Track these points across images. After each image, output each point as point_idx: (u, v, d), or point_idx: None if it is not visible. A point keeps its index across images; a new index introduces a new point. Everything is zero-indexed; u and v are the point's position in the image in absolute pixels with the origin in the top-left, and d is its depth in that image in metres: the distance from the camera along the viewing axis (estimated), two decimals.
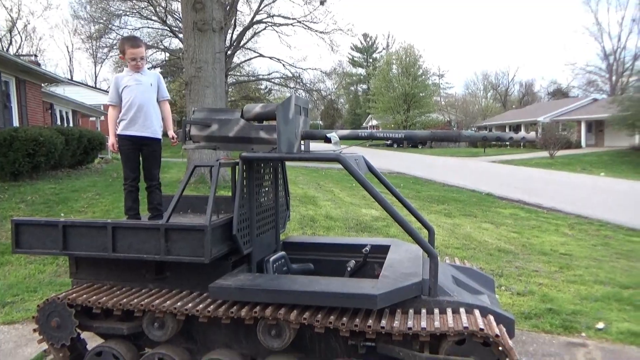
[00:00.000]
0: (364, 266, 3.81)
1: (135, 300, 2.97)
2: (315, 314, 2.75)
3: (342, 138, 3.19)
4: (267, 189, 3.62)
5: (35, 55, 25.63)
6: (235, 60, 41.46)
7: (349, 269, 3.42)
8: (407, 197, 14.52)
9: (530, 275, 6.38)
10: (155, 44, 37.27)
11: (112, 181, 12.95)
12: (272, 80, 42.11)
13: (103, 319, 3.18)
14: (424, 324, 2.60)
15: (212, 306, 2.87)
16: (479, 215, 11.35)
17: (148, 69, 3.74)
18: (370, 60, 71.71)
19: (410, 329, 2.56)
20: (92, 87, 36.54)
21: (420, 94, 48.13)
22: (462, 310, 2.75)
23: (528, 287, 5.78)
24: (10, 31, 35.66)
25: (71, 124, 22.96)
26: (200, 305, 2.88)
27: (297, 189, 13.72)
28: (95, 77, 53.17)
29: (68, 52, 70.78)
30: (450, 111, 60.91)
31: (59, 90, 21.61)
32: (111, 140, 3.57)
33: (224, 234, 3.03)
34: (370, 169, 3.80)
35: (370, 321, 2.67)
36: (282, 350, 2.88)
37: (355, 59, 72.84)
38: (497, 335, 2.47)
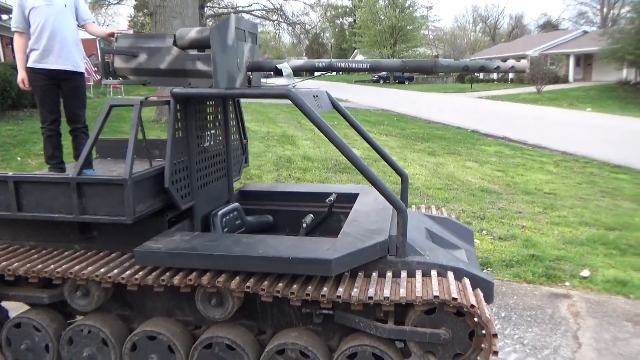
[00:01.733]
0: (329, 218, 3.38)
1: (52, 266, 2.51)
2: (261, 280, 2.33)
3: (296, 69, 2.64)
4: (213, 131, 3.09)
5: None
6: None
7: (304, 225, 2.98)
8: (391, 134, 14.06)
9: (513, 217, 6.07)
10: None
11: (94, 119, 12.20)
12: (253, 12, 40.05)
13: (21, 286, 2.74)
14: (387, 291, 2.19)
15: (141, 272, 2.42)
16: (463, 154, 10.97)
17: None
18: None
19: (371, 298, 2.16)
20: None
21: (408, 27, 46.37)
22: (433, 273, 2.35)
23: (510, 231, 5.47)
24: None
25: None
26: (128, 272, 2.43)
27: (275, 128, 13.13)
28: None
29: None
30: (438, 45, 59.18)
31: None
32: (20, 76, 2.94)
33: (154, 187, 2.54)
34: (336, 106, 3.28)
35: (325, 289, 2.25)
36: (226, 319, 2.48)
37: None
38: (472, 306, 2.08)
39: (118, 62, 2.75)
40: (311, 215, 3.08)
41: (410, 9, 46.96)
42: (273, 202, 3.60)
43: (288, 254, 2.23)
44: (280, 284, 2.29)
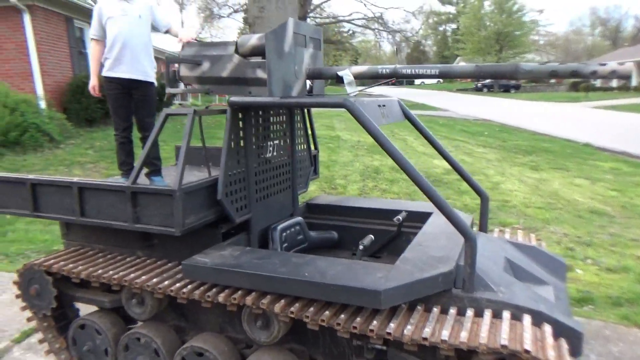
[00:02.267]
0: (398, 238, 3.10)
1: (111, 272, 2.54)
2: (307, 306, 2.14)
3: (359, 76, 2.43)
4: (276, 141, 2.97)
5: None
6: (315, 1, 40.20)
7: (361, 247, 2.73)
8: (490, 146, 13.19)
9: (627, 245, 5.26)
10: None
11: (181, 127, 12.98)
12: (353, 22, 40.41)
13: (88, 289, 2.82)
14: (445, 333, 1.88)
15: (190, 286, 2.36)
16: (572, 169, 9.91)
17: None
18: None
19: (425, 339, 1.87)
20: None
21: (515, 33, 43.69)
22: (505, 314, 1.99)
23: (622, 262, 4.73)
24: None
25: None
26: (177, 284, 2.38)
27: (367, 137, 12.91)
28: (182, 24, 54.37)
29: None
30: (549, 51, 55.09)
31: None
32: (92, 83, 3.07)
33: (207, 198, 2.47)
34: (408, 116, 3.01)
35: (375, 322, 2.01)
36: (273, 343, 2.33)
37: None
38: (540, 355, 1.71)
39: (183, 71, 2.74)
40: (371, 236, 2.83)
41: (519, 13, 44.22)
42: (340, 217, 3.40)
43: (334, 280, 2.02)
44: (327, 313, 2.08)
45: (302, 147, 3.36)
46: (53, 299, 2.76)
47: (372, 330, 1.95)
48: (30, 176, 2.67)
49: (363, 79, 2.46)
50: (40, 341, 2.93)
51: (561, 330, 1.97)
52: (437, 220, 2.89)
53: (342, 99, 2.20)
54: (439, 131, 15.24)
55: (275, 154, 2.97)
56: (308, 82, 2.69)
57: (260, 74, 2.54)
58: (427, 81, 64.43)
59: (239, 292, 2.24)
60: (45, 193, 2.63)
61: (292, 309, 2.11)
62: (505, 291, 2.14)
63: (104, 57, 2.96)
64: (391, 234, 3.12)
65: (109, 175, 7.58)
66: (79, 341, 2.82)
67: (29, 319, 2.92)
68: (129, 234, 2.75)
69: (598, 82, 36.15)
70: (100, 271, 2.58)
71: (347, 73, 2.41)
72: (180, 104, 18.95)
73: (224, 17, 37.27)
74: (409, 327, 1.95)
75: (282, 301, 2.16)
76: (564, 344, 1.90)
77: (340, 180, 8.31)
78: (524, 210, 6.77)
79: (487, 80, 43.95)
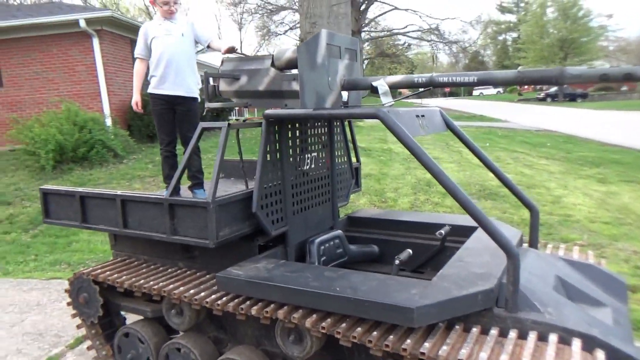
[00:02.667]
0: (441, 253, 2.97)
1: (152, 283, 2.61)
2: (339, 322, 2.08)
3: (394, 86, 2.36)
4: (315, 154, 2.95)
5: None
6: (370, 15, 40.35)
7: (397, 262, 2.63)
8: (553, 158, 12.54)
9: None
10: (290, 4, 37.88)
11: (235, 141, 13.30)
12: (408, 34, 40.13)
13: (131, 298, 2.90)
14: (484, 355, 1.76)
15: (225, 298, 2.36)
16: None
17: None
18: (522, 4, 64.12)
19: None
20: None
21: (582, 39, 41.61)
22: (552, 337, 1.84)
23: None
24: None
25: None
26: (213, 296, 2.39)
27: (400, 148, 12.68)
28: (241, 43, 56.16)
29: (216, 20, 75.55)
30: (620, 57, 51.96)
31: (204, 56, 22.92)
32: (135, 99, 3.20)
33: (242, 211, 2.48)
34: (451, 127, 2.89)
35: (409, 341, 1.91)
36: (306, 358, 2.28)
37: (504, 4, 65.87)
38: None
39: (223, 85, 2.79)
40: (409, 251, 2.72)
41: (585, 18, 42.13)
42: (382, 231, 3.31)
43: (366, 295, 1.95)
44: (360, 329, 2.01)
45: (342, 160, 3.32)
46: (100, 307, 2.86)
47: (405, 350, 1.86)
48: (79, 189, 2.80)
49: (398, 89, 2.39)
50: (89, 348, 3.05)
51: (617, 358, 1.79)
52: (482, 235, 2.74)
53: (375, 110, 2.15)
54: (498, 143, 14.71)
55: (313, 166, 2.95)
56: (345, 93, 2.66)
57: (295, 86, 2.54)
58: (487, 92, 62.56)
59: (272, 305, 2.22)
60: (92, 205, 2.75)
61: (323, 324, 2.05)
62: (554, 312, 1.98)
63: (149, 75, 3.09)
64: (434, 249, 2.99)
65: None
66: (124, 349, 2.90)
67: (78, 326, 3.04)
68: (170, 245, 2.82)
69: None
70: (142, 281, 2.65)
71: (381, 83, 2.36)
72: (236, 119, 19.50)
73: (280, 34, 38.17)
74: (444, 347, 1.84)
75: (314, 316, 2.11)
76: None
77: (391, 194, 8.17)
78: (589, 225, 6.34)
79: (552, 90, 42.06)
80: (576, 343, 1.80)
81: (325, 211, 3.10)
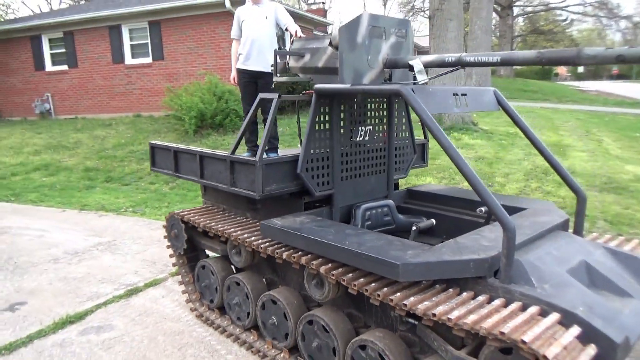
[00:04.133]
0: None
1: (219, 226, 3.16)
2: (349, 272, 2.38)
3: (427, 65, 2.51)
4: (371, 127, 3.20)
5: (323, 3, 28.49)
6: None
7: (414, 228, 2.78)
8: None
9: None
10: None
11: None
12: (567, 9, 36.31)
13: (208, 238, 3.50)
14: (456, 313, 1.93)
15: (267, 243, 2.81)
16: None
17: None
18: None
19: (434, 315, 1.95)
20: None
21: None
22: (532, 309, 1.93)
23: None
24: None
25: None
26: (259, 241, 2.85)
27: (552, 136, 11.77)
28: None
29: None
30: None
31: None
32: (232, 74, 3.73)
33: (289, 172, 2.87)
34: (505, 108, 2.93)
35: (399, 293, 2.15)
36: (330, 302, 2.64)
37: None
38: (523, 342, 1.66)
39: (292, 62, 3.17)
40: (432, 221, 2.86)
41: None
42: (438, 205, 3.45)
43: (367, 251, 2.21)
44: (363, 280, 2.30)
45: (403, 135, 3.50)
46: (184, 241, 3.52)
47: (392, 300, 2.11)
48: (174, 145, 3.45)
49: (431, 67, 2.53)
50: (177, 274, 3.77)
51: (596, 337, 1.83)
52: (525, 215, 2.78)
53: (398, 87, 2.35)
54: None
55: (367, 138, 3.21)
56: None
57: None
58: None
59: (300, 252, 2.60)
60: (182, 159, 3.39)
61: (334, 272, 2.38)
62: (549, 289, 2.04)
63: (239, 53, 3.60)
64: (480, 225, 3.07)
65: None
66: (200, 278, 3.54)
67: (170, 256, 3.77)
68: (241, 198, 3.34)
69: None
70: (213, 224, 3.22)
71: (417, 62, 2.53)
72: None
73: (424, 10, 37.19)
74: (426, 302, 2.05)
75: (330, 264, 2.44)
76: (590, 350, 1.77)
77: (501, 179, 7.90)
78: None
79: None
80: (553, 317, 1.87)
81: (379, 181, 3.35)
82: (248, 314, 3.11)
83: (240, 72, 3.62)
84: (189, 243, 3.58)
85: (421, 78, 2.53)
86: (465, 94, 2.66)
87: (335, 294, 2.55)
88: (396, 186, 3.62)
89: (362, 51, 2.60)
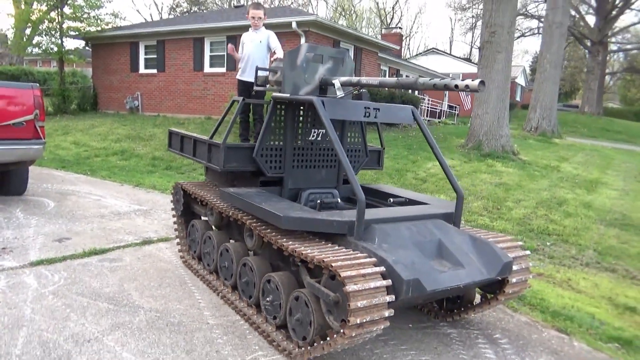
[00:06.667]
0: None
1: (202, 193, 4.23)
2: (262, 225, 3.34)
3: (343, 84, 3.43)
4: (323, 130, 4.09)
5: (400, 28, 29.49)
6: (619, 23, 35.78)
7: (318, 201, 3.65)
8: None
9: None
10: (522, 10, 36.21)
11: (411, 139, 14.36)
12: None
13: (198, 203, 4.58)
14: (302, 249, 2.84)
15: (226, 206, 3.83)
16: None
17: None
18: None
19: (288, 247, 2.88)
20: (449, 54, 38.80)
21: None
22: (362, 255, 2.77)
23: None
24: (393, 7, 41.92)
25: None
26: (219, 202, 3.89)
27: (594, 173, 11.76)
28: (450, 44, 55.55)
29: (451, 22, 75.14)
30: None
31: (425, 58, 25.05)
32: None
33: (248, 156, 3.86)
34: (418, 122, 3.74)
35: (284, 239, 3.07)
36: (260, 252, 3.60)
37: None
38: (339, 272, 2.51)
39: (270, 76, 4.18)
40: (338, 200, 3.75)
41: None
42: (376, 199, 4.28)
43: (268, 207, 3.15)
44: (263, 226, 3.26)
45: (355, 140, 4.36)
46: (182, 205, 4.64)
47: (272, 238, 3.05)
48: (180, 131, 4.62)
49: (345, 86, 3.43)
50: (175, 229, 4.90)
51: (394, 276, 2.64)
52: (415, 207, 3.58)
53: (312, 98, 3.29)
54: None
55: (319, 139, 4.12)
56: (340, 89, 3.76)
57: None
58: None
59: (240, 212, 3.59)
60: (185, 142, 4.52)
61: (254, 223, 3.35)
62: (385, 247, 2.87)
63: (239, 67, 4.72)
64: None
65: None
66: (190, 234, 4.63)
67: (173, 216, 4.91)
68: (226, 176, 4.39)
69: None
70: (199, 191, 4.30)
71: (337, 81, 3.45)
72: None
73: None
74: (294, 244, 2.96)
75: (255, 221, 3.41)
76: (384, 282, 2.60)
77: (511, 203, 8.34)
78: None
79: None
80: (369, 259, 2.70)
81: (329, 174, 4.24)
82: (213, 259, 4.14)
83: (238, 81, 4.73)
84: (186, 206, 4.70)
85: (339, 93, 3.45)
86: (378, 109, 3.52)
87: (260, 244, 3.51)
88: (347, 181, 4.50)
89: (300, 71, 3.58)
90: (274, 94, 3.79)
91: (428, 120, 21.18)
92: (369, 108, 3.47)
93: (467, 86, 2.51)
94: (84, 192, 7.42)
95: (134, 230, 5.53)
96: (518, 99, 41.13)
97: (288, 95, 3.57)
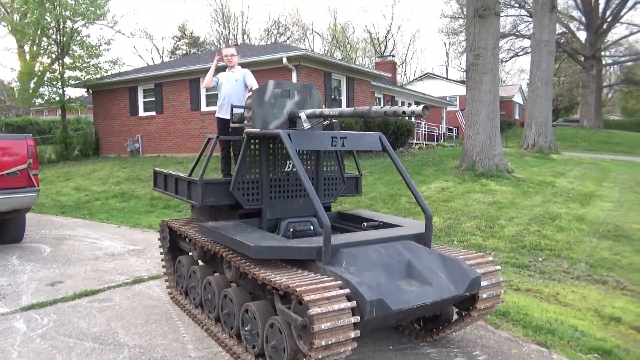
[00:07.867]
0: None
1: (186, 229, 4.36)
2: (237, 256, 3.45)
3: (309, 116, 3.59)
4: (291, 161, 4.23)
5: (393, 56, 30.08)
6: (611, 37, 36.30)
7: (291, 230, 3.74)
8: None
9: None
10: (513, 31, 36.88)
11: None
12: None
13: (183, 240, 4.71)
14: (272, 276, 2.93)
15: (204, 238, 3.95)
16: None
17: None
18: None
19: (260, 276, 2.98)
20: (444, 78, 39.34)
21: None
22: (328, 279, 2.86)
23: None
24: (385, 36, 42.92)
25: None
26: (200, 237, 4.01)
27: (589, 186, 11.79)
28: (446, 68, 56.34)
29: (445, 47, 76.16)
30: None
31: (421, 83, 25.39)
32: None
33: (225, 190, 4.00)
34: (386, 149, 3.87)
35: (256, 268, 3.17)
36: (240, 283, 3.69)
37: None
38: (302, 296, 2.60)
39: (245, 113, 4.36)
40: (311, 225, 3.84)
41: None
42: (352, 224, 4.39)
43: (241, 238, 3.26)
44: (242, 260, 3.36)
45: (332, 169, 4.50)
46: (168, 242, 4.77)
47: (246, 269, 3.15)
48: (164, 170, 4.78)
49: (311, 118, 3.60)
50: (163, 266, 5.00)
51: (358, 297, 2.73)
52: (393, 230, 3.68)
53: (279, 131, 3.45)
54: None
55: (295, 170, 4.27)
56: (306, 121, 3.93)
57: None
58: None
59: (217, 244, 3.71)
60: (168, 180, 4.68)
61: (230, 255, 3.46)
62: (352, 270, 2.97)
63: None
64: None
65: None
66: (177, 270, 4.73)
67: (161, 253, 5.03)
68: (208, 211, 4.53)
69: None
70: (183, 228, 4.43)
71: (302, 114, 3.61)
72: (416, 144, 20.64)
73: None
74: (266, 273, 3.06)
75: (231, 253, 3.53)
76: (348, 304, 2.68)
77: (503, 221, 8.38)
78: None
79: None
80: (335, 282, 2.80)
81: (307, 203, 4.36)
82: (198, 293, 4.23)
83: (217, 119, 4.92)
84: (172, 243, 4.83)
85: (306, 125, 3.61)
86: (345, 137, 3.67)
87: (238, 275, 3.61)
88: (329, 209, 4.61)
89: (268, 106, 3.75)
90: (247, 129, 3.96)
91: (425, 144, 21.36)
92: (335, 137, 3.62)
93: (413, 112, 2.66)
94: (81, 235, 7.57)
95: (126, 270, 5.64)
96: (517, 117, 41.36)
97: (259, 130, 3.74)
